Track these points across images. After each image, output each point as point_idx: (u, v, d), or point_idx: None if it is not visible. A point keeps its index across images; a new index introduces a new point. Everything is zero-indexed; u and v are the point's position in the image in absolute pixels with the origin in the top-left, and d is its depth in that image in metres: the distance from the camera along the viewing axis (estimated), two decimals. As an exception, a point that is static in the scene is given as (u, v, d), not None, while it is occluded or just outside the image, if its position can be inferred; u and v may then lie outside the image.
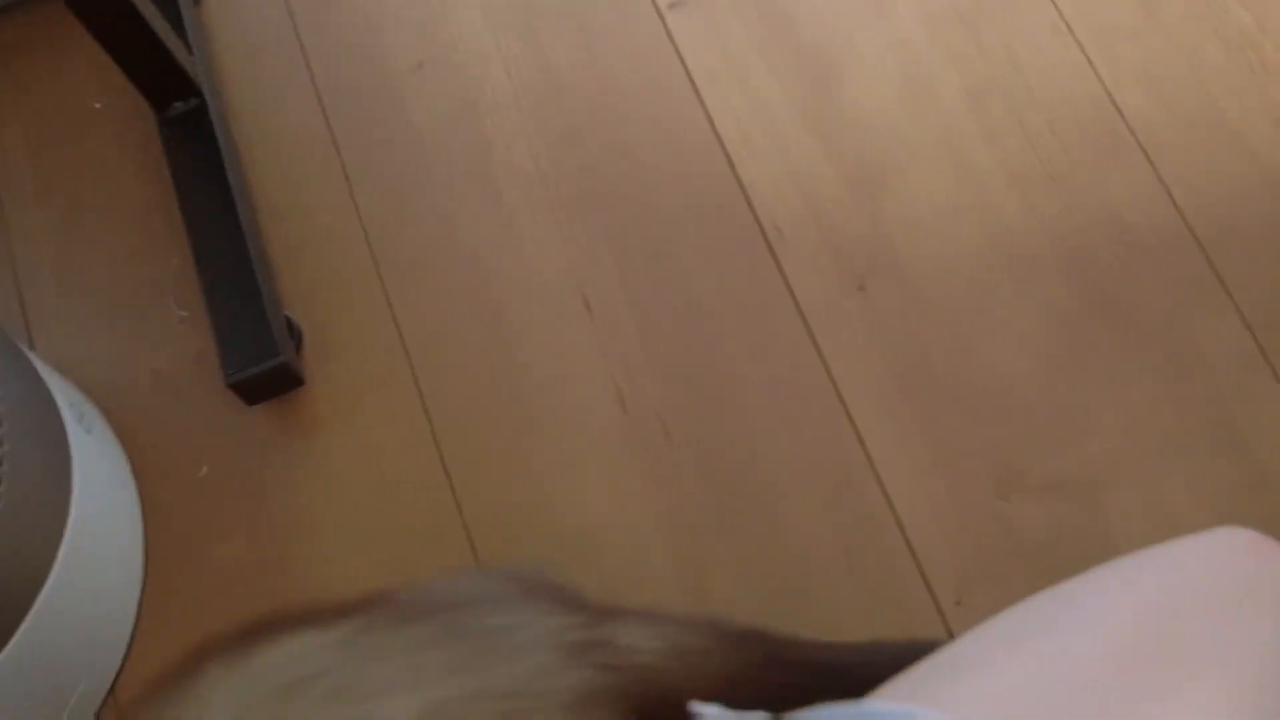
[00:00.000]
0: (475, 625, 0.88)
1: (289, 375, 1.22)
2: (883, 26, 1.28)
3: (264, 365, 1.19)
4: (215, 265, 1.24)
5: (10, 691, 1.05)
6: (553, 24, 1.34)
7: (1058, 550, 1.09)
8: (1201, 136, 1.20)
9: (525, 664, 0.87)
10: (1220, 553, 0.70)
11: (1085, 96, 1.22)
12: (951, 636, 1.07)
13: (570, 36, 1.33)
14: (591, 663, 0.90)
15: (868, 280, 1.19)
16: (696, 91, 1.28)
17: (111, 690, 1.17)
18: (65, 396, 1.14)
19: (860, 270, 1.19)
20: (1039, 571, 1.08)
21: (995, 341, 1.16)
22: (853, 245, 1.20)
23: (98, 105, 1.37)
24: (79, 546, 1.09)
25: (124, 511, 1.20)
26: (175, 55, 1.26)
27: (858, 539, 1.12)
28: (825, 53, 1.28)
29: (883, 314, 1.18)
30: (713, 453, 1.16)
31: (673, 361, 1.19)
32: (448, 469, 1.19)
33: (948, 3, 1.28)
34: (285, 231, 1.30)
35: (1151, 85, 1.22)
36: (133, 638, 1.19)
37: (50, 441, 1.09)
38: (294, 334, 1.25)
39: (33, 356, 1.17)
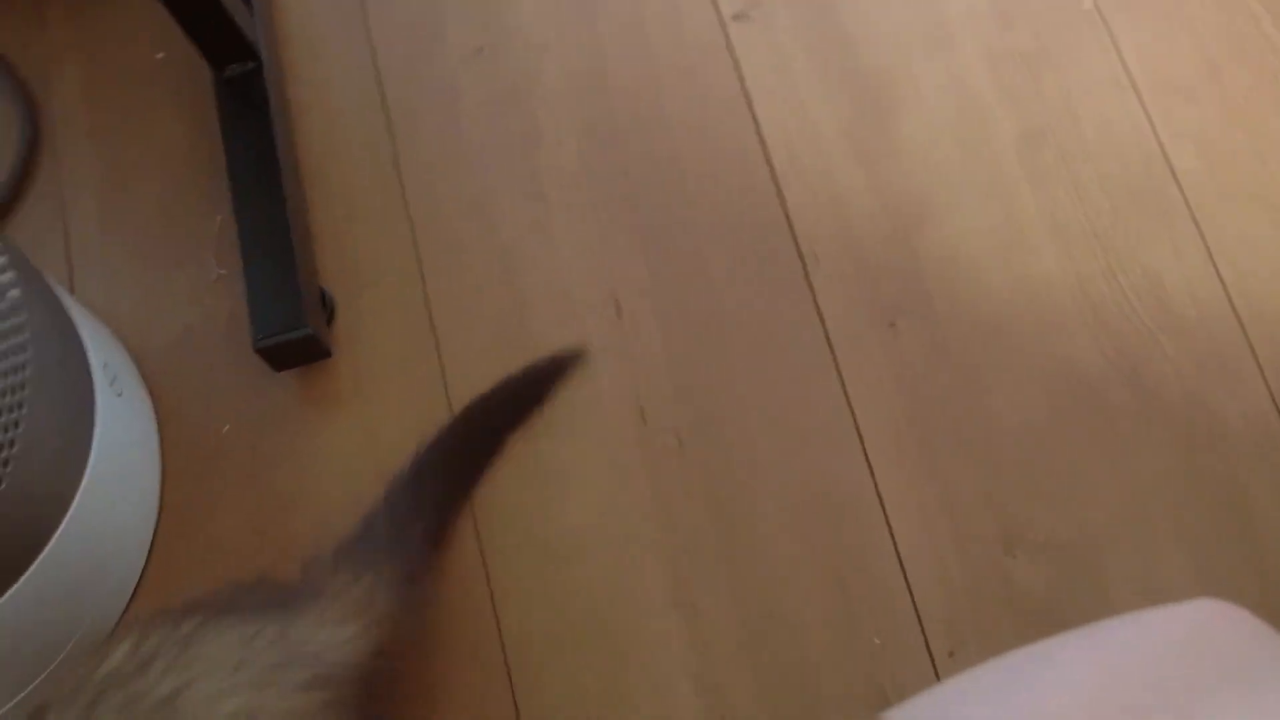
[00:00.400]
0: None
1: (316, 347, 1.23)
2: (944, 59, 1.27)
3: (292, 334, 1.20)
4: (255, 229, 1.25)
5: (9, 630, 1.07)
6: (613, 22, 1.34)
7: (1054, 611, 1.08)
8: (1254, 211, 1.18)
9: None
10: (1198, 622, 0.70)
11: (1139, 155, 1.21)
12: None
13: (629, 36, 1.33)
14: (289, 686, 0.95)
15: (898, 317, 1.18)
16: (750, 105, 1.28)
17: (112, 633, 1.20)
18: (100, 355, 1.16)
19: (892, 306, 1.19)
20: (1033, 630, 1.08)
21: (1014, 394, 1.15)
22: (888, 280, 1.20)
23: (160, 56, 1.39)
24: (95, 493, 1.11)
25: (143, 469, 1.22)
26: (236, 18, 1.26)
27: (854, 572, 1.12)
28: (883, 79, 1.27)
29: (909, 352, 1.17)
30: (722, 469, 1.16)
31: (695, 374, 1.20)
32: (461, 457, 1.20)
33: (1012, 43, 1.26)
34: (329, 202, 1.31)
35: (1209, 152, 1.21)
36: (139, 585, 1.21)
37: (76, 401, 1.11)
38: (326, 306, 1.26)
39: (71, 302, 1.19)
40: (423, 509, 1.14)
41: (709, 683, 1.10)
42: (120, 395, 1.17)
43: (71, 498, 1.09)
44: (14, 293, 1.01)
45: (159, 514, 1.23)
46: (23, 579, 1.05)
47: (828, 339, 1.19)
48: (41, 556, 1.06)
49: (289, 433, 1.24)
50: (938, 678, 1.08)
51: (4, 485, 0.96)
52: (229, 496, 1.23)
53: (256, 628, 0.92)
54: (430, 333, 1.25)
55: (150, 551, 1.22)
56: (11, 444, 0.97)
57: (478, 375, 1.22)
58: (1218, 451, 1.12)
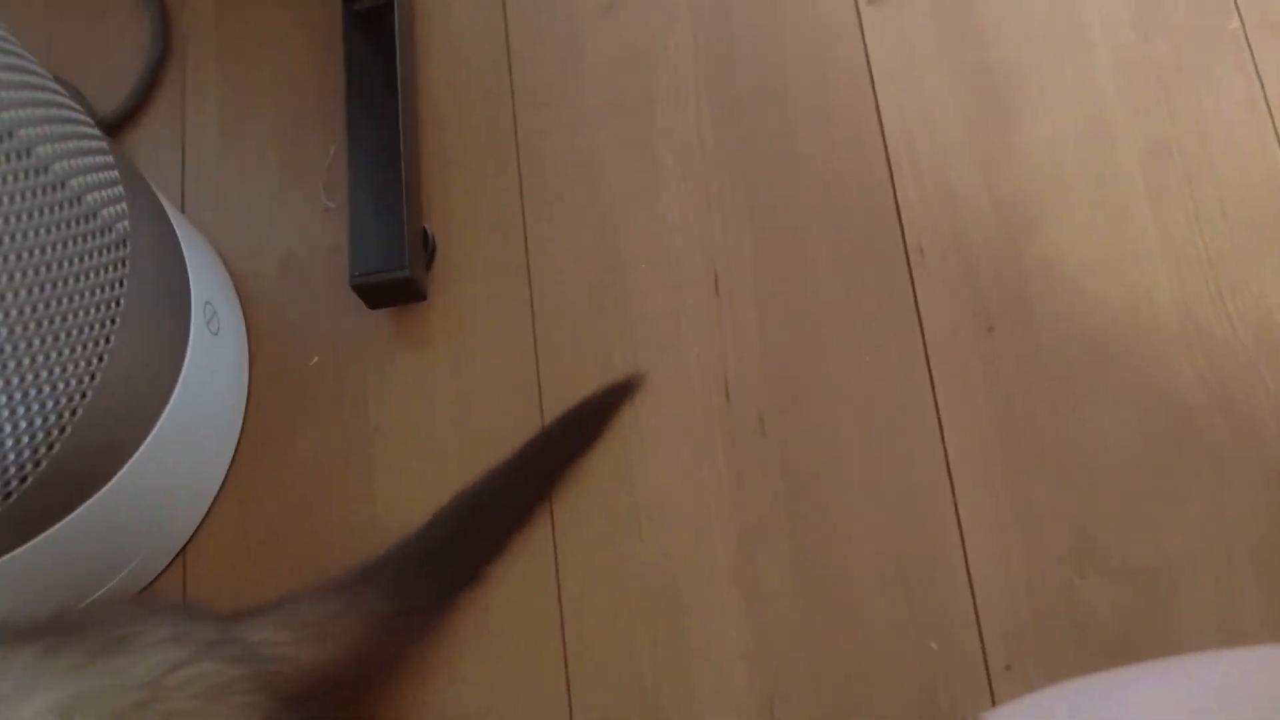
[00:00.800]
0: (96, 634, 0.90)
1: (413, 289, 1.24)
2: (1075, 62, 1.24)
3: (390, 275, 1.21)
4: (367, 164, 1.26)
5: (72, 552, 1.10)
6: (746, -8, 1.33)
7: (1120, 638, 1.06)
8: (1376, 253, 1.15)
9: (153, 660, 0.89)
10: (1270, 668, 0.69)
11: (1266, 183, 1.17)
12: (993, 702, 1.07)
13: (760, 8, 1.31)
14: (222, 657, 0.94)
15: (998, 321, 1.16)
16: (873, 90, 1.26)
17: (181, 553, 1.23)
18: (202, 293, 1.18)
19: (993, 309, 1.17)
20: (1096, 655, 1.06)
21: (1106, 412, 1.13)
22: (991, 282, 1.18)
23: (292, -18, 1.40)
24: (174, 425, 1.13)
25: (228, 403, 1.25)
26: (371, -48, 1.27)
27: (921, 574, 1.11)
28: (1011, 77, 1.25)
29: (1003, 358, 1.15)
30: (800, 456, 1.16)
31: (785, 357, 1.19)
32: (544, 413, 1.21)
33: (1148, 54, 1.23)
34: (442, 144, 1.32)
35: (1339, 185, 1.17)
36: (211, 509, 1.24)
37: (169, 339, 1.13)
38: (428, 248, 1.27)
39: (182, 222, 1.21)
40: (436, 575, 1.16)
41: (763, 665, 1.10)
42: (216, 334, 1.19)
43: (149, 430, 1.11)
44: (121, 225, 1.03)
45: (239, 441, 1.26)
46: (89, 502, 1.07)
47: (923, 335, 1.17)
48: (112, 482, 1.08)
49: (376, 370, 1.25)
50: (991, 690, 1.06)
51: (80, 415, 0.98)
52: (311, 428, 1.25)
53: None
54: (526, 284, 1.25)
55: (227, 476, 1.25)
56: (93, 376, 0.99)
57: (566, 330, 1.23)
58: (1310, 494, 1.09)
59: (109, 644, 0.87)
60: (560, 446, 1.20)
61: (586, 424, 1.20)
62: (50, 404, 0.96)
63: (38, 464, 0.96)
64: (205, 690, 0.89)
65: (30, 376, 0.93)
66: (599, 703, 1.11)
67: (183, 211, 1.32)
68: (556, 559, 1.16)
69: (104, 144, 1.05)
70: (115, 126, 1.38)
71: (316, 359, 1.26)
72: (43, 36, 1.45)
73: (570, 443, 1.20)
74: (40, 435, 0.96)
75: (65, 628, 0.88)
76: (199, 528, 1.23)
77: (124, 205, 1.04)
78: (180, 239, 1.18)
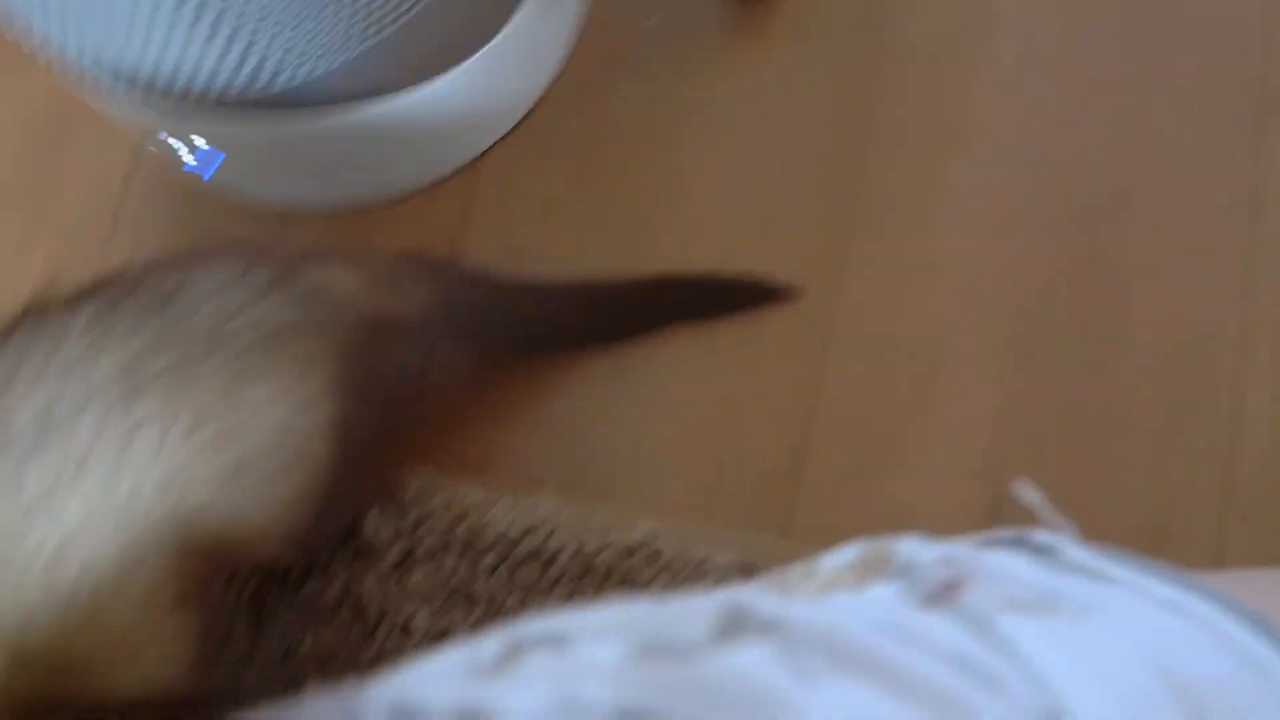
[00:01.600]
0: (147, 291, 0.87)
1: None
2: None
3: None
4: None
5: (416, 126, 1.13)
6: None
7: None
8: None
9: (208, 309, 0.86)
10: None
11: None
12: (1222, 548, 1.06)
13: None
14: (282, 299, 0.90)
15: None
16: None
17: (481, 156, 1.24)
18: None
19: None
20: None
21: None
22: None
23: None
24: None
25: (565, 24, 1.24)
26: None
27: (1191, 410, 1.10)
28: None
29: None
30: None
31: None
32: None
33: None
34: None
35: None
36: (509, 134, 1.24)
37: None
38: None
39: None
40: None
41: (996, 455, 1.10)
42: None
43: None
44: None
45: (551, 84, 1.25)
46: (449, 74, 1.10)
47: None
48: (474, 59, 1.11)
49: (706, 55, 1.23)
50: (1221, 539, 1.06)
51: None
52: (622, 92, 1.24)
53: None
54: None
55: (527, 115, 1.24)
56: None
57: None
58: None
59: (162, 298, 0.85)
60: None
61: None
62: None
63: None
64: (264, 336, 0.87)
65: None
66: (838, 432, 1.13)
67: None
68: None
69: None
70: None
71: (654, 20, 1.24)
72: None
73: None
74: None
75: (110, 289, 0.87)
76: (491, 147, 1.23)
77: None
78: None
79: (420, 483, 1.07)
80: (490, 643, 0.49)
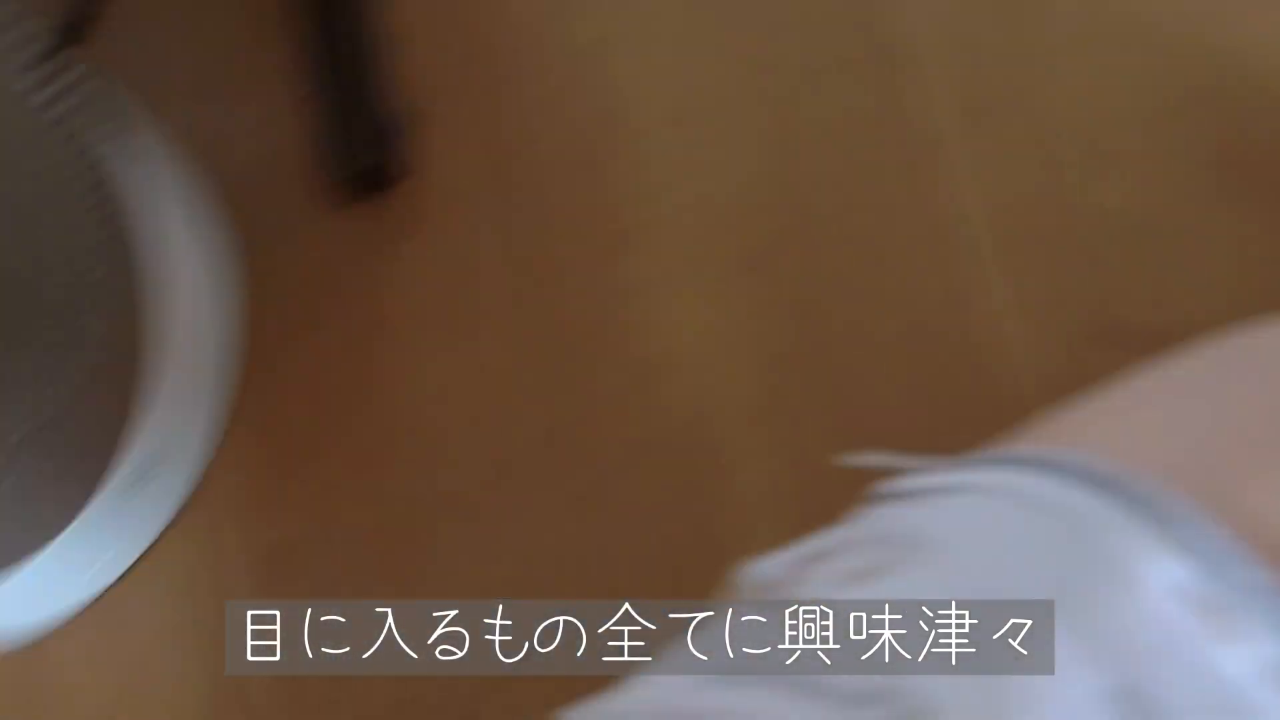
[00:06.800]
0: None
1: (389, 173, 1.20)
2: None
3: (367, 161, 1.19)
4: (332, 51, 1.22)
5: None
6: None
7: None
8: None
9: None
10: None
11: None
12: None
13: None
14: None
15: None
16: None
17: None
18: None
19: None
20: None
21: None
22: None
23: None
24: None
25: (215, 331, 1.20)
26: None
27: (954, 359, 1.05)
28: None
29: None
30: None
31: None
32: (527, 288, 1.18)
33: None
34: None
35: None
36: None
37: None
38: (399, 129, 1.22)
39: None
40: None
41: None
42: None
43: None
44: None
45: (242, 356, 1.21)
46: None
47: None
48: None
49: (364, 262, 1.21)
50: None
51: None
52: (313, 329, 1.20)
53: None
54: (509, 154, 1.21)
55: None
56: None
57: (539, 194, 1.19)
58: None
59: None
60: None
61: None
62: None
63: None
64: None
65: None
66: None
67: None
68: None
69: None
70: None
71: (305, 257, 1.21)
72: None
73: None
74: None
75: None
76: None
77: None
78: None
79: None
80: None
